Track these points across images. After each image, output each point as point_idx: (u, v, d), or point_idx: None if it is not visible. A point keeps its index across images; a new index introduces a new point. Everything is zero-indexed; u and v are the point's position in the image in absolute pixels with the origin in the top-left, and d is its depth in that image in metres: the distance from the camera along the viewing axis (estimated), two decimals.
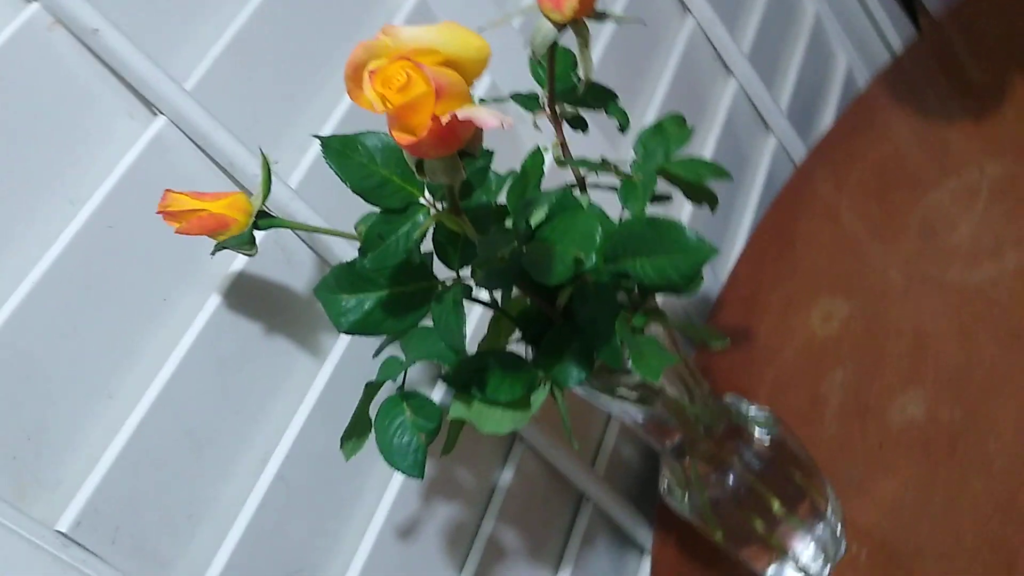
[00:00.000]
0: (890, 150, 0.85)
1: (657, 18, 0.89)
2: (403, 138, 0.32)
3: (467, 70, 0.34)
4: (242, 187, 0.55)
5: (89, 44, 0.50)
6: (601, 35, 0.81)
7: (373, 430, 0.48)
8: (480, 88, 0.70)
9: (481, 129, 0.35)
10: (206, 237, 0.46)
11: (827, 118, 1.06)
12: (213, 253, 0.46)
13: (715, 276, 0.88)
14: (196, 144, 0.53)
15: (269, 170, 0.46)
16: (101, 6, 0.50)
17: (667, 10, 0.91)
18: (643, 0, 0.87)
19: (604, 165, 0.47)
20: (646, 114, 0.85)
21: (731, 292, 0.84)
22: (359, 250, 0.42)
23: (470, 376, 0.47)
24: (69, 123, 0.50)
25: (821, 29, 1.09)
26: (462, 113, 0.31)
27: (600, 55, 0.80)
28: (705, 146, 0.90)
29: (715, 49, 0.94)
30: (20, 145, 0.48)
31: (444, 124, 0.31)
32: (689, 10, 0.92)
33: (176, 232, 0.45)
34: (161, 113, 0.52)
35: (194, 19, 0.56)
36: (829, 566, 0.62)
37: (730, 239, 0.93)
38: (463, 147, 0.35)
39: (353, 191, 0.41)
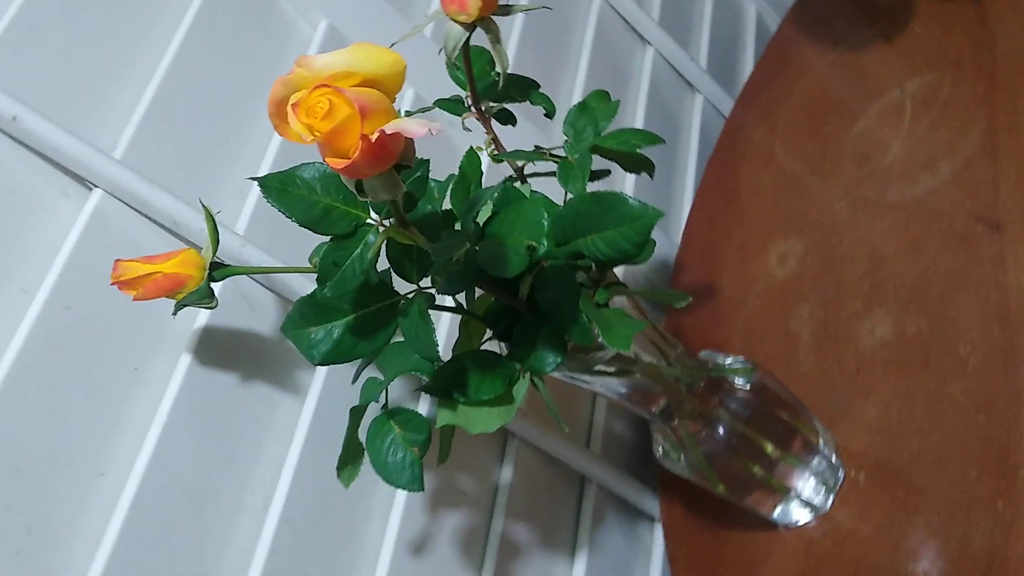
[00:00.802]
0: (812, 85, 0.87)
1: (564, 0, 0.91)
2: (337, 163, 0.33)
3: (387, 86, 0.34)
4: (191, 243, 0.55)
5: (10, 132, 0.50)
6: (513, 27, 0.82)
7: (366, 453, 0.48)
8: (404, 101, 0.71)
9: (412, 140, 0.35)
10: (165, 299, 0.46)
11: (747, 66, 1.08)
12: (175, 313, 0.47)
13: (669, 240, 0.90)
14: (137, 210, 0.53)
15: (214, 221, 0.47)
16: (15, 92, 0.50)
17: None
18: None
19: (538, 153, 0.48)
20: (572, 96, 0.86)
21: (687, 252, 0.86)
22: (317, 280, 0.43)
23: (450, 382, 0.47)
24: (4, 214, 0.50)
25: None
26: (389, 128, 0.32)
27: (515, 46, 0.81)
28: (635, 116, 0.92)
29: (626, 21, 0.95)
30: None
31: (374, 142, 0.32)
32: None
33: (134, 300, 0.45)
34: (96, 187, 0.52)
35: (111, 87, 0.56)
36: (832, 495, 0.63)
37: (677, 201, 0.94)
38: (398, 161, 0.36)
39: (300, 225, 0.42)
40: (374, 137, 0.32)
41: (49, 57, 0.53)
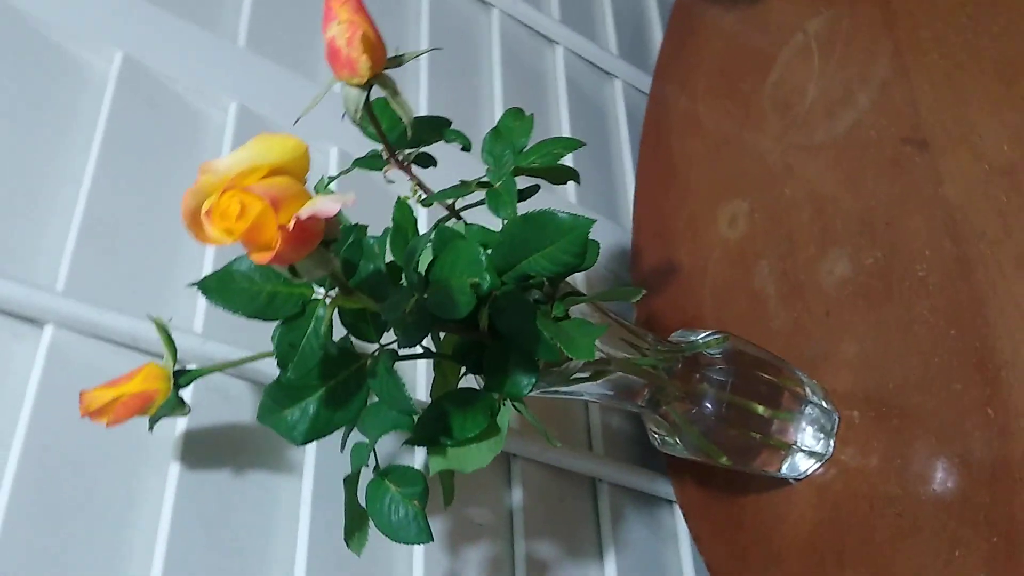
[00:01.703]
0: (721, 46, 0.88)
1: (462, 23, 0.91)
2: (263, 256, 0.33)
3: (294, 170, 0.35)
4: (154, 353, 0.56)
5: None
6: (420, 64, 0.83)
7: (370, 517, 0.49)
8: (330, 160, 0.72)
9: (332, 216, 0.36)
10: (140, 416, 0.47)
11: (658, 41, 1.09)
12: (151, 428, 0.47)
13: (621, 227, 0.91)
14: (91, 336, 0.54)
15: (167, 331, 0.47)
16: None
17: (469, 11, 0.93)
18: (443, 9, 0.89)
19: (464, 187, 0.49)
20: (495, 114, 0.87)
21: (640, 235, 0.87)
22: (278, 365, 0.43)
23: (433, 429, 0.48)
24: None
25: None
26: (304, 212, 0.33)
27: (426, 83, 0.82)
28: (560, 117, 0.93)
29: (529, 27, 0.96)
30: None
31: (292, 229, 0.32)
32: (489, 4, 0.94)
33: (108, 426, 0.46)
34: (46, 323, 0.53)
35: (37, 221, 0.57)
36: (832, 439, 0.64)
37: (621, 188, 0.95)
38: (324, 237, 0.36)
39: (247, 317, 0.42)
40: (291, 225, 0.32)
41: None
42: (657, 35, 1.10)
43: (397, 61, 0.44)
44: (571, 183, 0.85)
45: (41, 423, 0.50)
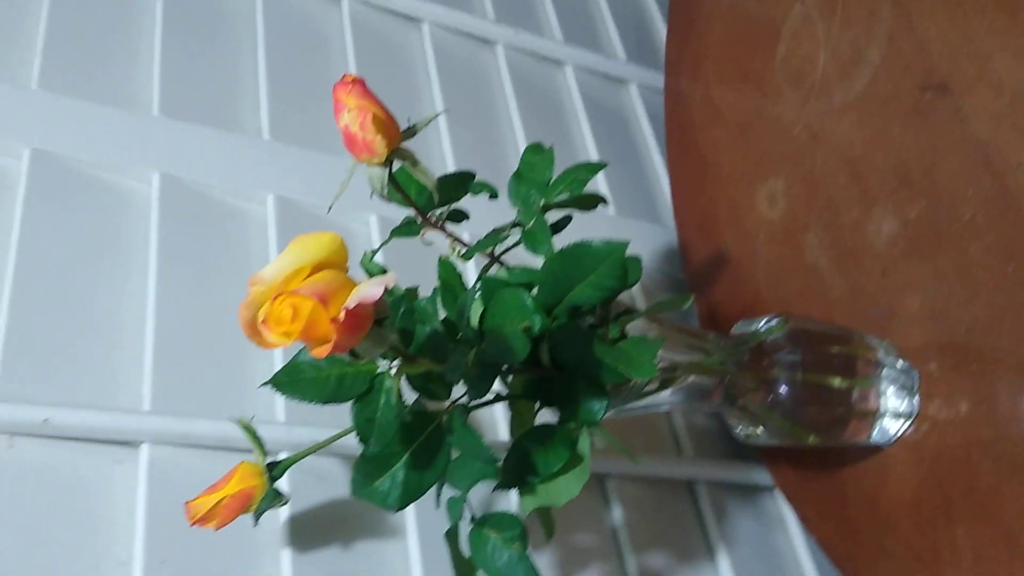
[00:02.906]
0: (724, 31, 0.88)
1: (469, 65, 0.93)
2: (322, 351, 0.35)
3: (334, 262, 0.37)
4: (245, 450, 0.58)
5: (46, 433, 0.53)
6: (439, 124, 0.85)
7: (477, 567, 0.50)
8: (372, 228, 0.74)
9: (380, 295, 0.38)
10: (243, 515, 0.49)
11: (663, 36, 1.10)
12: (255, 524, 0.49)
13: (665, 228, 0.91)
14: (184, 446, 0.56)
15: (251, 429, 0.49)
16: (31, 396, 0.53)
17: (474, 52, 0.95)
18: (449, 56, 0.91)
19: (498, 234, 0.50)
20: (518, 145, 0.88)
21: (684, 232, 0.87)
22: (360, 442, 0.45)
23: (518, 470, 0.49)
24: (72, 504, 0.53)
25: None
26: (351, 302, 0.34)
27: (447, 131, 0.84)
28: (583, 136, 0.94)
29: (536, 54, 0.98)
30: (43, 547, 0.51)
31: (343, 320, 0.34)
32: (492, 41, 0.96)
33: (216, 529, 0.48)
34: (140, 443, 0.56)
35: (113, 349, 0.60)
36: (916, 396, 0.64)
37: (658, 189, 0.96)
38: (375, 317, 0.38)
39: (321, 404, 0.44)
40: (342, 316, 0.34)
41: (44, 350, 0.57)
42: (661, 32, 1.11)
43: (411, 132, 0.46)
44: (610, 197, 0.87)
45: (155, 539, 0.53)
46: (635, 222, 0.89)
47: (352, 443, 0.60)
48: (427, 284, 0.54)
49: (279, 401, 0.61)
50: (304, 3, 0.87)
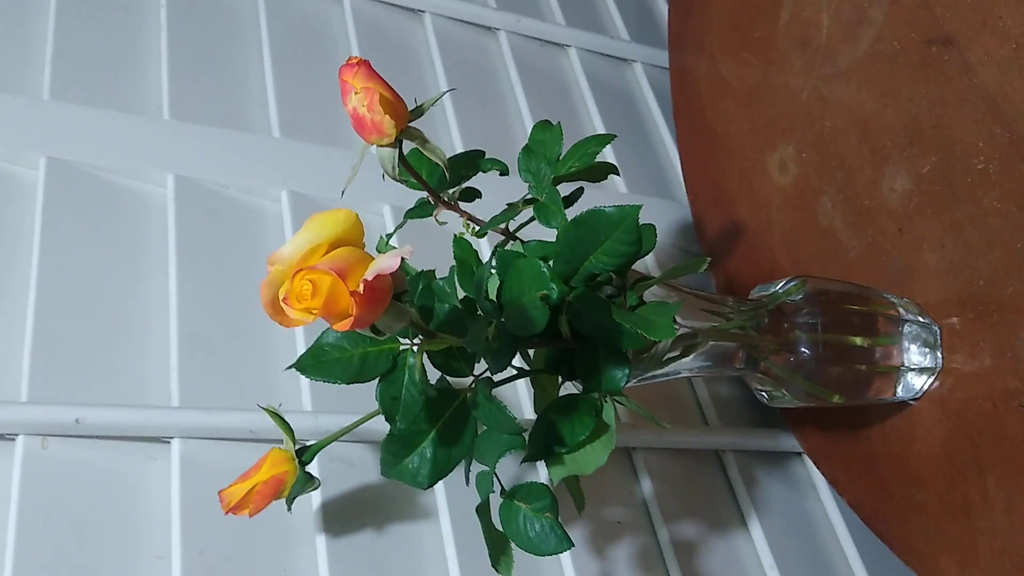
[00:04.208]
0: (724, 2, 0.88)
1: (474, 53, 0.94)
2: (344, 324, 0.36)
3: (350, 238, 0.37)
4: (274, 440, 0.59)
5: (79, 433, 0.54)
6: (445, 106, 0.85)
7: (510, 539, 0.50)
8: (386, 217, 0.74)
9: (398, 269, 0.38)
10: (277, 501, 0.50)
11: (665, 15, 1.10)
12: (289, 509, 0.50)
13: (678, 203, 0.91)
14: (214, 439, 0.57)
15: (279, 415, 0.50)
16: (61, 396, 0.54)
17: (477, 40, 0.95)
18: (453, 45, 0.92)
19: (512, 210, 0.51)
20: (526, 130, 0.89)
21: (697, 206, 0.87)
22: (386, 420, 0.46)
23: (545, 441, 0.50)
24: (108, 502, 0.54)
25: None
26: (369, 274, 0.35)
27: (454, 120, 0.84)
28: (591, 116, 0.94)
29: (539, 40, 0.98)
30: (81, 545, 0.52)
31: (363, 293, 0.35)
32: (494, 29, 0.96)
33: (251, 516, 0.49)
34: (171, 439, 0.56)
35: (139, 347, 0.61)
36: (938, 350, 0.63)
37: (668, 165, 0.96)
38: (394, 291, 0.38)
39: (346, 384, 0.45)
40: (361, 288, 0.35)
41: (72, 352, 0.58)
42: (662, 9, 1.11)
43: (419, 112, 0.46)
44: (621, 173, 0.87)
45: (192, 531, 0.54)
46: (647, 199, 0.89)
47: (380, 429, 0.61)
48: (442, 270, 0.54)
49: (305, 391, 0.62)
50: (306, 0, 0.88)
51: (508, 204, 0.52)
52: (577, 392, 0.52)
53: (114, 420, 0.55)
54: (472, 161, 0.52)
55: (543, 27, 0.98)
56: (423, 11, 0.93)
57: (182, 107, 0.73)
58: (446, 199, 0.51)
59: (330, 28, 0.88)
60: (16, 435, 0.53)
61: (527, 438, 0.49)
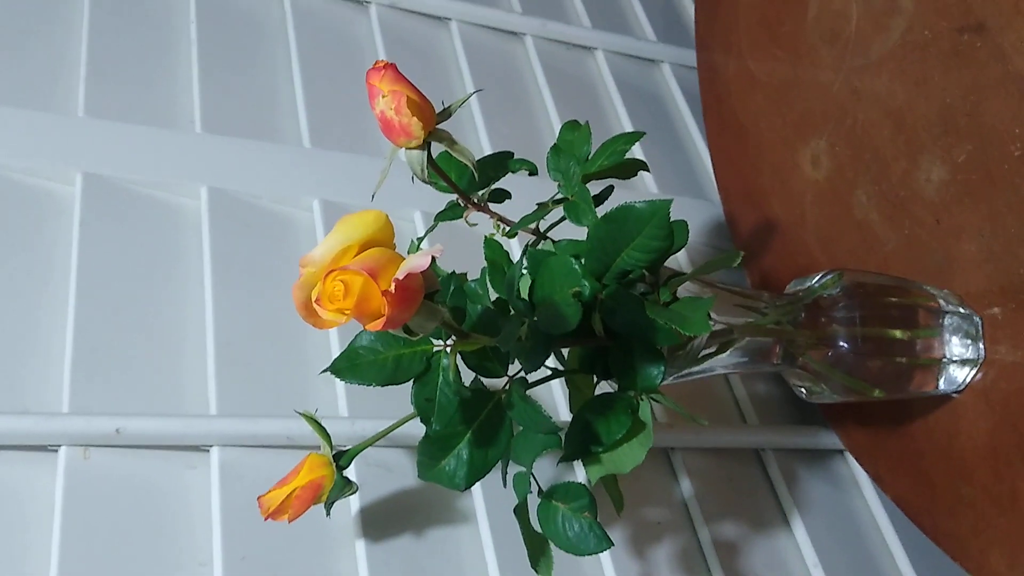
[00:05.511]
0: None
1: (500, 57, 0.94)
2: (377, 324, 0.36)
3: (381, 239, 0.37)
4: (311, 446, 0.59)
5: (119, 443, 0.55)
6: (473, 109, 0.85)
7: (549, 540, 0.50)
8: (417, 223, 0.75)
9: (429, 269, 0.38)
10: (315, 506, 0.50)
11: (692, 14, 1.09)
12: (328, 514, 0.50)
13: (710, 201, 0.91)
14: (252, 446, 0.58)
15: (316, 421, 0.50)
16: (110, 409, 0.55)
17: (503, 44, 0.95)
18: (479, 49, 0.92)
19: (542, 209, 0.51)
20: (555, 133, 0.89)
21: (730, 203, 0.87)
22: (422, 421, 0.46)
23: (581, 440, 0.49)
24: (149, 513, 0.55)
25: None
26: (400, 273, 0.35)
27: (483, 124, 0.84)
28: (619, 118, 0.94)
29: (566, 43, 0.98)
30: (123, 554, 0.53)
31: (395, 292, 0.35)
32: (520, 34, 0.96)
33: (290, 521, 0.49)
34: (210, 447, 0.57)
35: (176, 357, 0.61)
36: (980, 341, 0.62)
37: (699, 164, 0.96)
38: (425, 292, 0.39)
39: (381, 386, 0.45)
40: (393, 288, 0.35)
41: (112, 363, 0.59)
42: (689, 8, 1.11)
43: (446, 114, 0.47)
44: (648, 174, 0.87)
45: (233, 538, 0.54)
46: (679, 198, 0.88)
47: (416, 432, 0.61)
48: (474, 272, 0.54)
49: (341, 396, 0.62)
50: (333, 12, 0.89)
51: (538, 204, 0.52)
52: (613, 391, 0.52)
53: (154, 429, 0.56)
54: (501, 162, 0.52)
55: (569, 30, 0.98)
56: (449, 19, 0.94)
57: (214, 120, 0.74)
58: (476, 201, 0.51)
59: (357, 38, 0.88)
60: (59, 446, 0.54)
61: (563, 438, 0.49)
